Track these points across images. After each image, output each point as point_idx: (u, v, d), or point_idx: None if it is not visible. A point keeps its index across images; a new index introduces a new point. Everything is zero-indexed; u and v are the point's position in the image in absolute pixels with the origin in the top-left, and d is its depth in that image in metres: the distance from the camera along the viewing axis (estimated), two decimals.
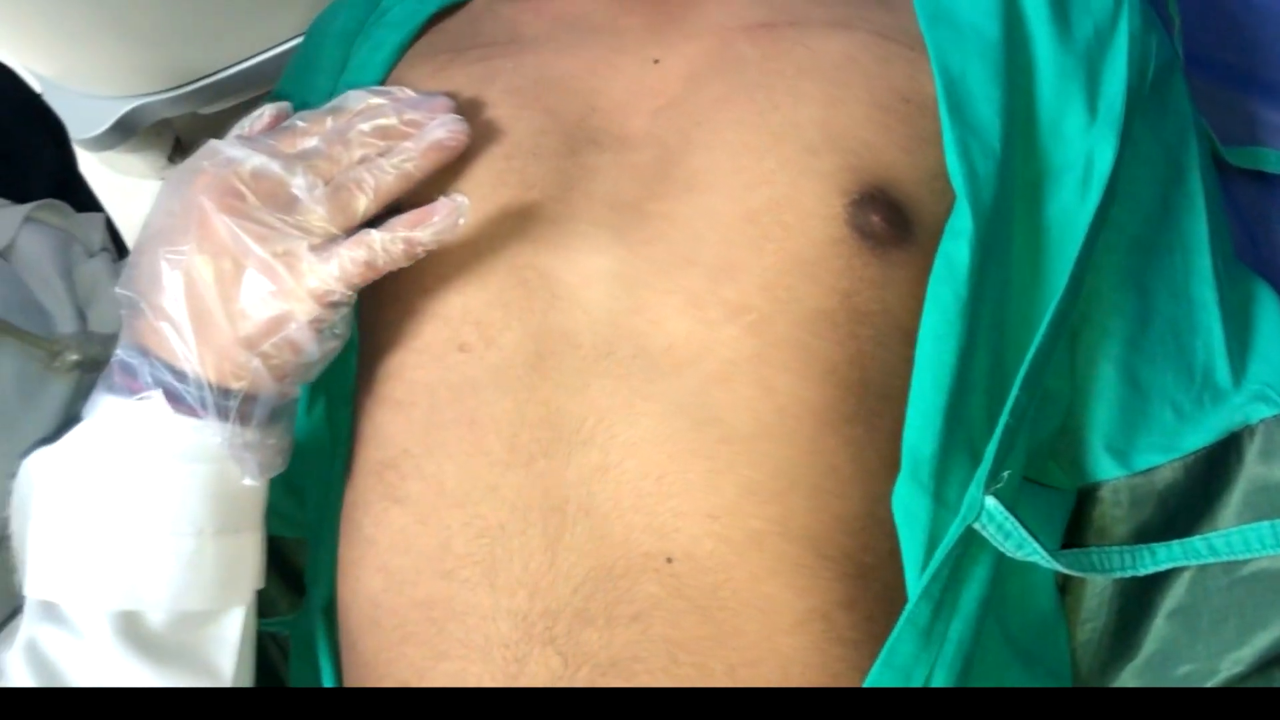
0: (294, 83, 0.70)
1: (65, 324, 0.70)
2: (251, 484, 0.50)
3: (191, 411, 0.47)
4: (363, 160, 0.50)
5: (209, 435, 0.48)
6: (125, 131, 1.20)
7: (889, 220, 0.52)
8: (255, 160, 0.48)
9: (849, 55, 0.56)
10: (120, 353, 0.48)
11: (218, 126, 1.39)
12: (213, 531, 0.48)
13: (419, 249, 0.49)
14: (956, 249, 0.51)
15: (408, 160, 0.50)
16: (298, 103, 0.69)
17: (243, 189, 0.47)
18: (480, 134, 0.57)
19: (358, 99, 0.53)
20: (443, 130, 0.51)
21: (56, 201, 0.78)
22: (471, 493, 0.51)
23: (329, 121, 0.52)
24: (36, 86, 0.92)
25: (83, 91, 1.18)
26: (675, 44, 0.59)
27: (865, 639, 0.49)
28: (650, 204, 0.54)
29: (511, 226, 0.55)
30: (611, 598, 0.48)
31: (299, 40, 1.14)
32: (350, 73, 0.65)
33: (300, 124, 0.52)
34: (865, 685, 0.47)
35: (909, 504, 0.49)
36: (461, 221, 0.49)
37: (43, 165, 0.90)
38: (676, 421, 0.50)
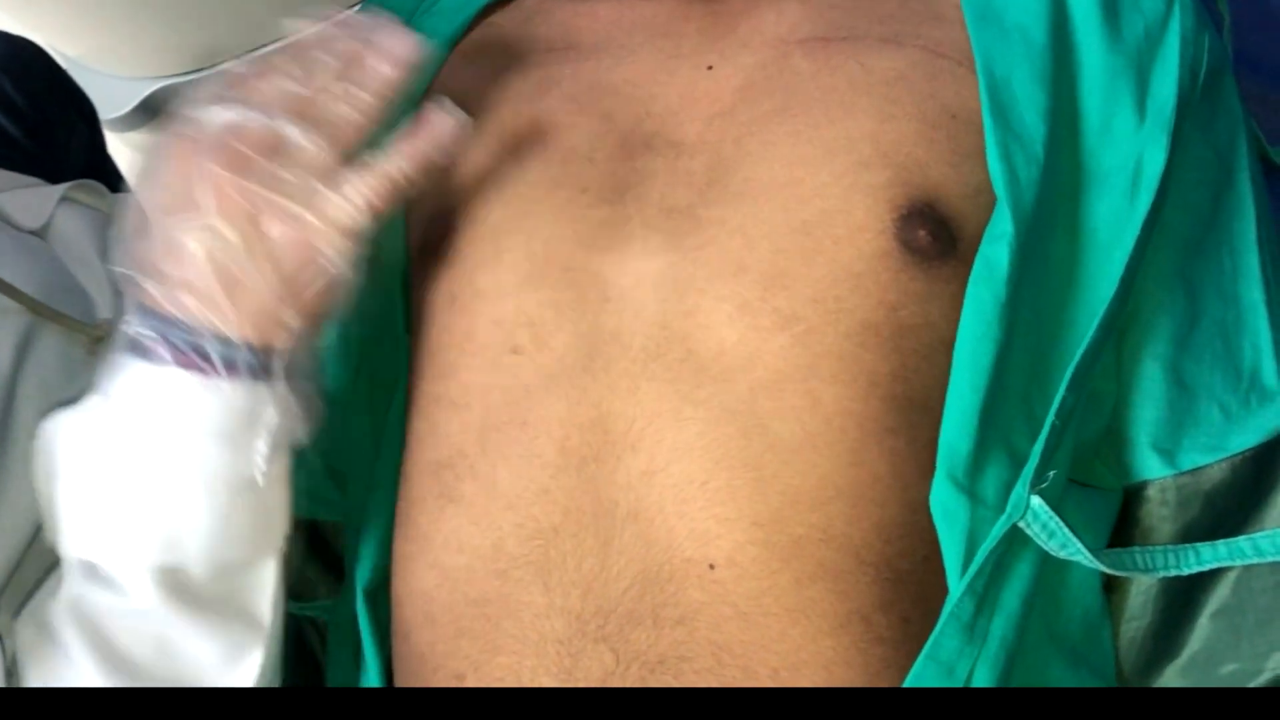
0: None
1: (105, 306, 0.70)
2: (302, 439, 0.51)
3: (230, 372, 0.47)
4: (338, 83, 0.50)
5: (250, 398, 0.48)
6: (150, 112, 1.20)
7: (935, 235, 0.52)
8: (246, 117, 0.47)
9: (899, 72, 0.56)
10: (139, 323, 0.48)
11: None
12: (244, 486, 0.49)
13: (429, 161, 0.50)
14: (996, 253, 0.52)
15: (378, 77, 0.50)
16: None
17: (243, 149, 0.47)
18: (537, 139, 0.58)
19: (308, 33, 0.51)
20: (400, 45, 0.50)
21: (92, 182, 0.78)
22: (524, 494, 0.52)
23: (288, 61, 0.50)
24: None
25: (108, 72, 1.18)
26: (730, 53, 0.59)
27: (904, 639, 0.50)
28: (703, 210, 0.54)
29: (565, 229, 0.55)
30: (658, 601, 0.49)
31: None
32: None
33: (257, 69, 0.50)
34: (909, 679, 0.48)
35: (946, 503, 0.50)
36: (456, 123, 0.50)
37: (75, 145, 0.90)
38: (724, 428, 0.50)
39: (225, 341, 0.47)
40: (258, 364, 0.48)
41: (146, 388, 0.47)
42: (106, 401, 0.48)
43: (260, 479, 0.49)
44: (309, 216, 0.47)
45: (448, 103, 0.50)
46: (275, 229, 0.47)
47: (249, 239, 0.47)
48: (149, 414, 0.47)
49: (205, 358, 0.47)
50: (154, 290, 0.47)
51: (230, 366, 0.47)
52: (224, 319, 0.47)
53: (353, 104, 0.49)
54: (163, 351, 0.47)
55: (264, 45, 1.15)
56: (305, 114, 0.48)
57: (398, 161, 0.49)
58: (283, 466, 0.51)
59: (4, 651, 0.61)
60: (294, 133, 0.48)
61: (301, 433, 0.51)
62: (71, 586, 0.49)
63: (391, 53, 0.50)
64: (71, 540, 0.49)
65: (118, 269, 0.49)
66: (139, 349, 0.48)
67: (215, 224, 0.46)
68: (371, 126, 0.50)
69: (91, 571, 0.48)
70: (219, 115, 0.48)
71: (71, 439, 0.49)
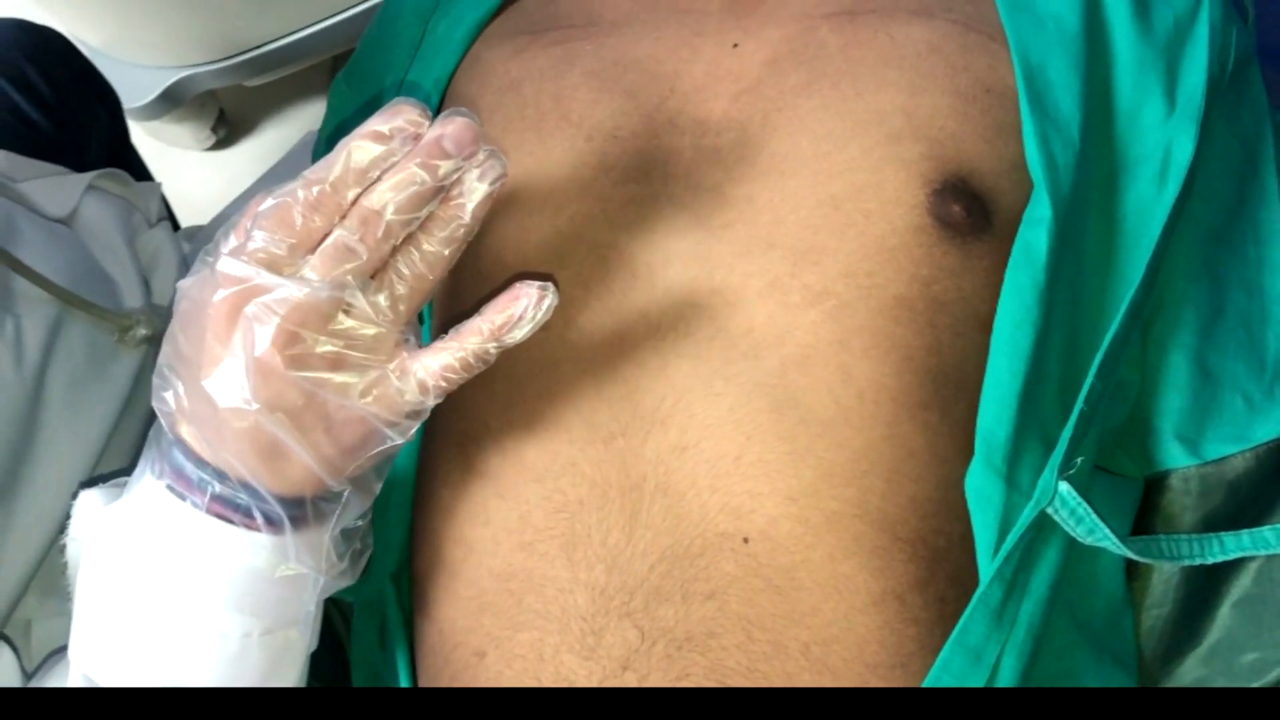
0: (370, 60, 0.71)
1: (131, 294, 0.70)
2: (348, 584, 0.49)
3: (263, 527, 0.44)
4: (408, 239, 0.43)
5: (281, 552, 0.45)
6: (171, 102, 1.21)
7: (969, 210, 0.52)
8: (302, 291, 0.41)
9: (931, 44, 0.56)
10: (173, 457, 0.44)
11: (262, 99, 1.40)
12: (259, 633, 0.46)
13: (509, 341, 0.45)
14: (1035, 237, 0.51)
15: (459, 227, 0.43)
16: (374, 80, 0.70)
17: (300, 332, 0.41)
18: (561, 116, 0.58)
19: (363, 152, 0.41)
20: (485, 182, 0.43)
21: (117, 170, 0.78)
22: (551, 468, 0.52)
23: (346, 195, 0.42)
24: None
25: (130, 61, 1.19)
26: (755, 29, 0.59)
27: (937, 620, 0.49)
28: (730, 187, 0.54)
29: (592, 207, 0.55)
30: (688, 575, 0.49)
31: (346, 14, 1.16)
32: (427, 49, 0.66)
33: (301, 195, 0.41)
34: (937, 664, 0.48)
35: (982, 488, 0.50)
36: (552, 304, 0.44)
37: (98, 133, 0.90)
38: (755, 403, 0.50)
39: (259, 496, 0.44)
40: (294, 516, 0.44)
41: (174, 528, 0.45)
42: (136, 521, 0.46)
43: (292, 638, 0.47)
44: (371, 407, 0.43)
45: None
46: (333, 410, 0.43)
47: (300, 423, 0.43)
48: (172, 558, 0.45)
49: (238, 509, 0.44)
50: (191, 440, 0.44)
51: (264, 520, 0.44)
52: (260, 484, 0.43)
53: (426, 262, 0.43)
54: (195, 496, 0.44)
55: (283, 38, 1.16)
56: (368, 273, 0.42)
57: (475, 342, 0.44)
58: (311, 613, 0.48)
59: (29, 638, 0.62)
60: (358, 300, 0.42)
61: (344, 580, 0.49)
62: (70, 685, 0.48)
63: (479, 197, 0.43)
64: (79, 648, 0.47)
65: (155, 404, 0.45)
66: (172, 486, 0.45)
67: (261, 417, 0.42)
68: (440, 279, 0.44)
69: (91, 684, 0.47)
70: (272, 284, 0.41)
71: (100, 541, 0.47)
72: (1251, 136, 0.60)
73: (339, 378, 0.43)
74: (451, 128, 0.42)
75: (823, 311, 0.51)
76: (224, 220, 0.81)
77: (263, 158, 1.38)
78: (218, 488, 0.44)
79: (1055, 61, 0.55)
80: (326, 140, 0.76)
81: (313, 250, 0.42)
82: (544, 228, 0.55)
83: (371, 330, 0.43)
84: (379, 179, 0.42)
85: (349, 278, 0.41)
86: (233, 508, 0.44)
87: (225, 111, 1.38)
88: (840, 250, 0.52)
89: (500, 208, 0.57)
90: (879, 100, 0.54)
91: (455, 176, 0.42)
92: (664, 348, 0.52)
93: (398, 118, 0.42)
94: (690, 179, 0.55)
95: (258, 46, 1.16)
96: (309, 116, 1.41)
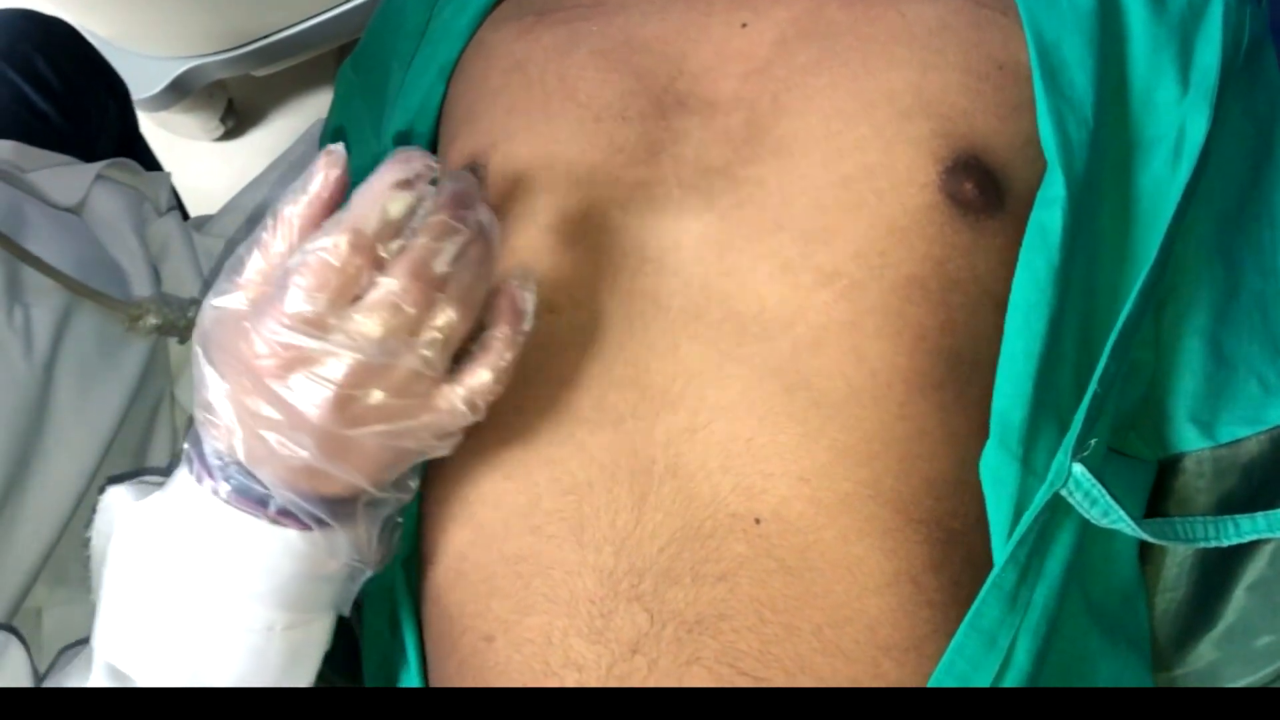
0: (377, 46, 0.71)
1: (141, 283, 0.70)
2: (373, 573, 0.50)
3: (294, 522, 0.46)
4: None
5: (315, 547, 0.46)
6: (180, 92, 1.21)
7: (982, 187, 0.52)
8: (354, 360, 0.42)
9: (942, 21, 0.55)
10: (208, 457, 0.46)
11: (271, 89, 1.40)
12: (283, 627, 0.47)
13: (524, 342, 0.47)
14: (1049, 217, 0.51)
15: (488, 275, 0.46)
16: (381, 66, 0.69)
17: (354, 393, 0.43)
18: (567, 96, 0.57)
19: (397, 204, 0.43)
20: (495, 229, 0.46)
21: (127, 160, 0.79)
22: (560, 450, 0.52)
23: (383, 245, 0.43)
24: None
25: (138, 51, 1.19)
26: (764, 8, 0.59)
27: (952, 602, 0.49)
28: (740, 168, 0.54)
29: (601, 190, 0.55)
30: (698, 557, 0.49)
31: (353, 3, 1.15)
32: (433, 35, 0.65)
33: (344, 250, 0.42)
34: (951, 647, 0.48)
35: (997, 470, 0.50)
36: (530, 294, 0.47)
37: (107, 124, 0.90)
38: (767, 385, 0.50)
39: (304, 509, 0.45)
40: (339, 514, 0.46)
41: (210, 526, 0.46)
42: (168, 514, 0.47)
43: (313, 630, 0.49)
44: (428, 441, 0.45)
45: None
46: (381, 444, 0.44)
47: (354, 461, 0.44)
48: (206, 554, 0.46)
49: (288, 514, 0.45)
50: (236, 446, 0.44)
51: (314, 521, 0.46)
52: (309, 500, 0.45)
53: (468, 305, 0.45)
54: (255, 511, 0.45)
55: (290, 27, 1.16)
56: (416, 325, 0.44)
57: (500, 355, 0.46)
58: (328, 599, 0.49)
59: (40, 628, 0.62)
60: (407, 359, 0.43)
61: (385, 562, 0.50)
62: (94, 678, 0.48)
63: (493, 239, 0.45)
64: (104, 638, 0.48)
65: (198, 417, 0.46)
66: (230, 501, 0.45)
67: (322, 464, 0.43)
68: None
69: (117, 676, 0.48)
70: (321, 351, 0.42)
71: (130, 533, 0.47)
72: (1265, 118, 0.60)
73: (394, 426, 0.44)
74: (462, 184, 0.45)
75: (834, 292, 0.50)
76: (233, 209, 0.81)
77: (271, 148, 1.38)
78: (272, 508, 0.45)
79: (1069, 39, 0.55)
80: (332, 132, 0.76)
81: (352, 298, 0.43)
82: (552, 210, 0.55)
83: (421, 379, 0.44)
84: (416, 230, 0.43)
85: (395, 338, 0.43)
86: (283, 513, 0.45)
87: (234, 102, 1.39)
88: (851, 230, 0.51)
89: (505, 189, 0.57)
90: (889, 78, 0.54)
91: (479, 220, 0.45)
92: (674, 330, 0.52)
93: (413, 162, 0.43)
94: (700, 161, 0.55)
95: (265, 36, 1.16)
96: (317, 106, 1.41)
